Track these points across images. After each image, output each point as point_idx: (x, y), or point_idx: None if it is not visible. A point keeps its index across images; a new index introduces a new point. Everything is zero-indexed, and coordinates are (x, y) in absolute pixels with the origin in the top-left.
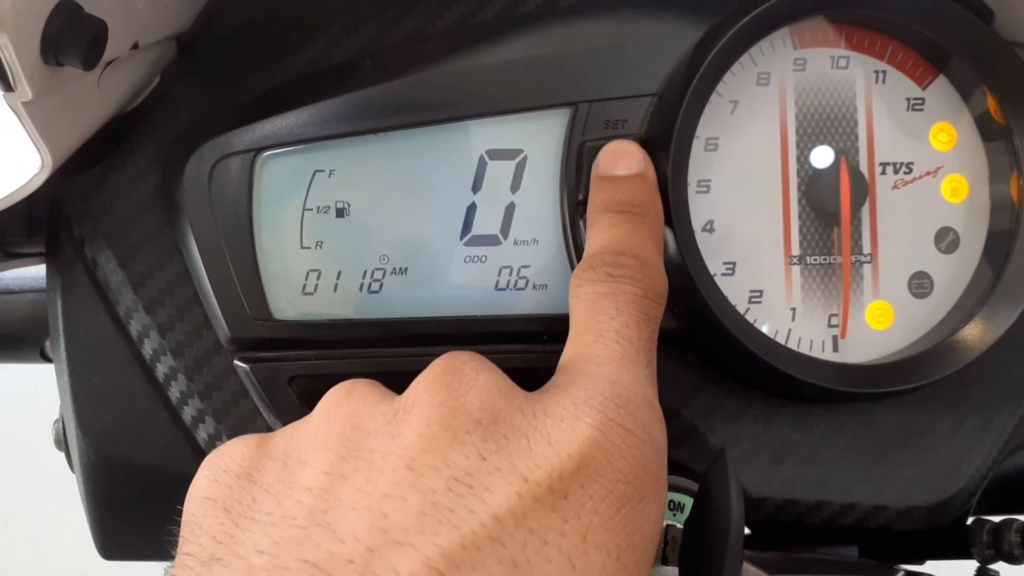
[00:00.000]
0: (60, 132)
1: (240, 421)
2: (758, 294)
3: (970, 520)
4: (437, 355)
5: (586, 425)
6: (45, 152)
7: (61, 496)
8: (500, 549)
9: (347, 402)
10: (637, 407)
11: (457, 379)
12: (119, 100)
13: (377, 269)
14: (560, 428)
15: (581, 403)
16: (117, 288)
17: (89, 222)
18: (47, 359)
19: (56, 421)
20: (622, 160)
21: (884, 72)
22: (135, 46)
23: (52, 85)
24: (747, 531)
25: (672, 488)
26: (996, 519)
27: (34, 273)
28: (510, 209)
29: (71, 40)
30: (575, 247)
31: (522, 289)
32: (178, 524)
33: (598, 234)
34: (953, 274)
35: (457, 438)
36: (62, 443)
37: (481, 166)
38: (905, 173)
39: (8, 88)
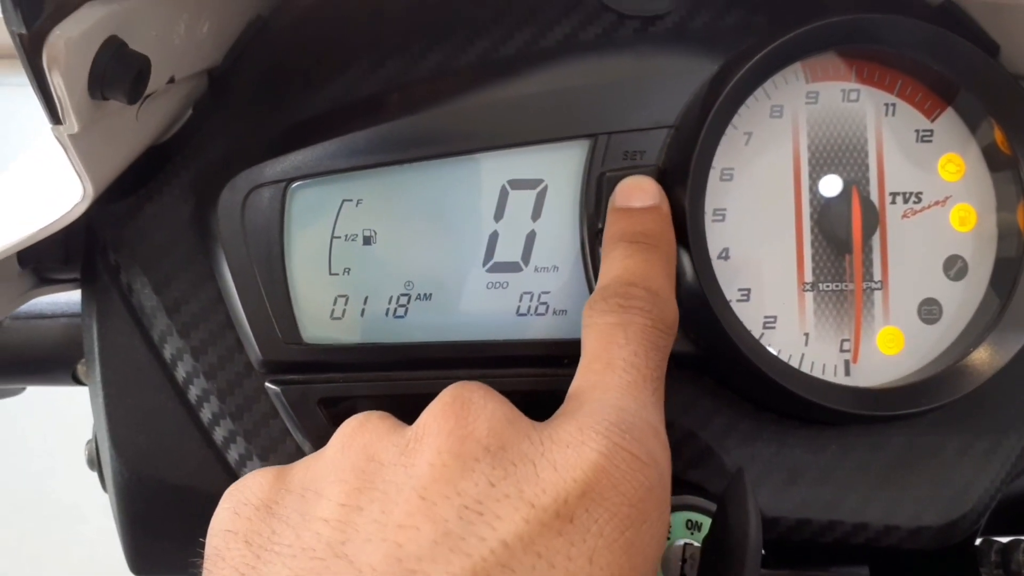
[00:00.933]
0: (101, 163)
1: (270, 442)
2: (772, 319)
3: (979, 541)
4: (460, 378)
5: (591, 450)
6: (87, 182)
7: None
8: (509, 575)
9: (360, 434)
10: (642, 432)
11: (465, 408)
12: (155, 131)
13: (402, 295)
14: (566, 454)
15: (587, 428)
16: (152, 313)
17: (125, 249)
18: (79, 382)
19: (89, 442)
20: (637, 193)
21: (894, 105)
22: (171, 80)
23: (96, 118)
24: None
25: (690, 508)
26: (1004, 540)
27: (67, 298)
28: (531, 237)
29: (117, 76)
30: (594, 274)
31: (542, 314)
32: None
33: (611, 264)
34: (961, 301)
35: (467, 466)
36: (95, 463)
37: (503, 195)
38: (914, 202)
39: (57, 121)
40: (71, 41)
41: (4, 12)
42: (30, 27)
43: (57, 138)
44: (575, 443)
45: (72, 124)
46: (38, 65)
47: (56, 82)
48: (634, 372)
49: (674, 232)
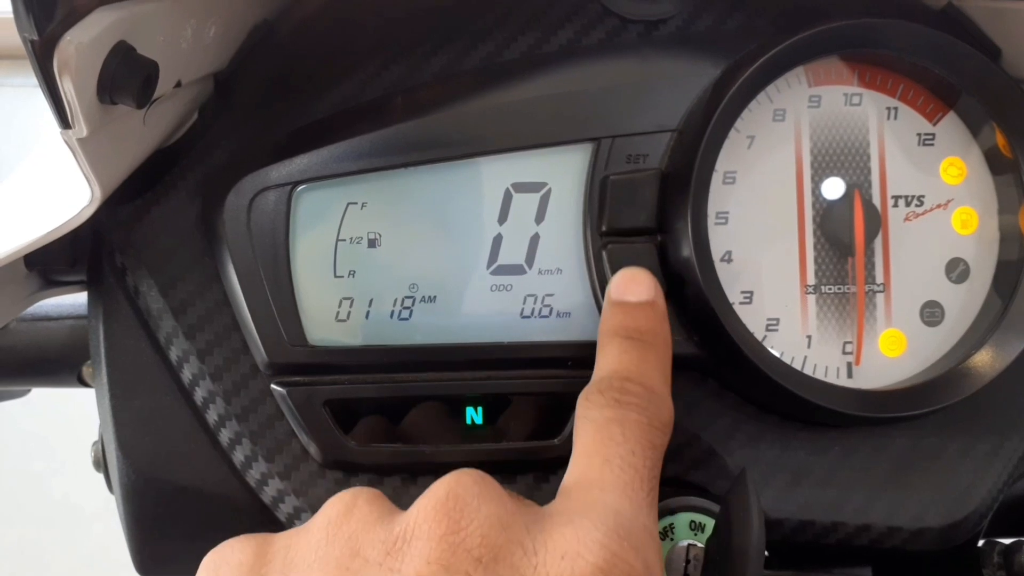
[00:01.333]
0: (109, 166)
1: (276, 443)
2: (775, 322)
3: (981, 542)
4: (464, 380)
5: (587, 563)
6: (95, 185)
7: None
8: None
9: (347, 521)
10: (639, 538)
11: (459, 508)
12: (161, 135)
13: (407, 297)
14: (561, 567)
15: (584, 535)
16: (158, 315)
17: (132, 252)
18: (84, 384)
19: (95, 443)
20: (633, 287)
21: (896, 108)
22: (178, 84)
23: (104, 122)
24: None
25: (694, 509)
26: (1007, 541)
27: (72, 301)
28: (535, 240)
29: (126, 80)
30: (597, 276)
31: (546, 316)
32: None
33: (607, 358)
34: (963, 303)
35: None
36: (101, 464)
37: (507, 198)
38: (917, 206)
39: (66, 125)
40: (82, 46)
41: (16, 17)
42: (42, 33)
43: (66, 142)
44: (571, 554)
45: (81, 128)
46: (49, 70)
47: (66, 87)
48: (631, 471)
49: (669, 327)
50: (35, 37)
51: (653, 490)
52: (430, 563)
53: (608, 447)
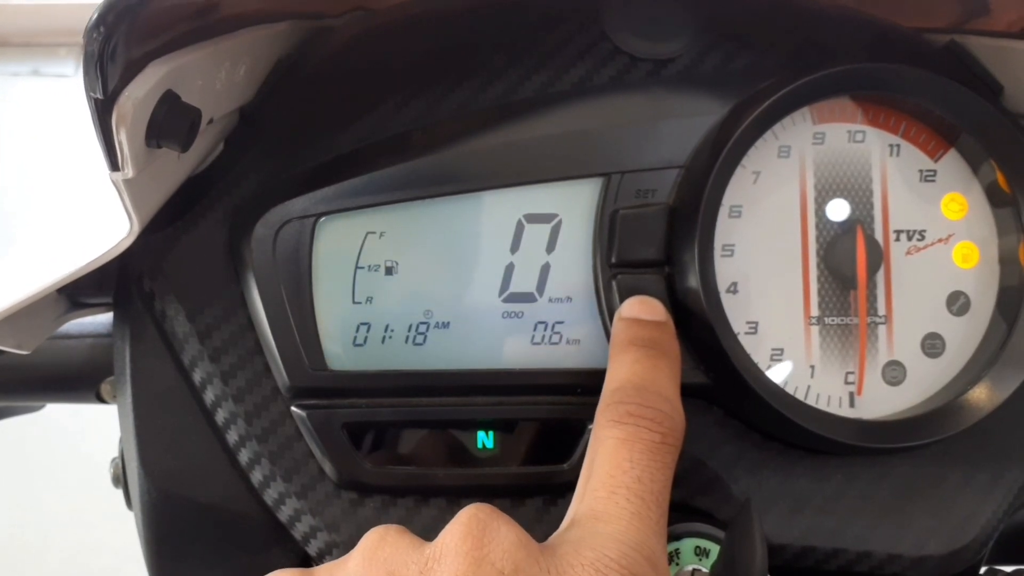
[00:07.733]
0: (147, 201)
1: (294, 463)
2: (779, 352)
3: (983, 570)
4: (477, 405)
5: None
6: (135, 219)
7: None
8: None
9: (381, 548)
10: (639, 566)
11: (481, 530)
12: (192, 167)
13: (422, 323)
14: None
15: (588, 566)
16: (184, 338)
17: (161, 278)
18: (102, 400)
19: (114, 460)
20: (646, 309)
21: (898, 146)
22: (211, 121)
23: (148, 163)
24: None
25: (699, 535)
26: (1008, 569)
27: (91, 320)
28: (545, 269)
29: (173, 127)
30: (607, 305)
31: (556, 344)
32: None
33: (621, 367)
34: (964, 335)
35: None
36: (120, 481)
37: (519, 229)
38: (918, 240)
39: (116, 169)
40: (137, 100)
41: (86, 78)
42: (107, 92)
43: (113, 183)
44: None
45: (129, 171)
46: (107, 123)
47: (121, 138)
48: (637, 501)
49: (678, 345)
50: (101, 96)
51: (662, 516)
52: None
53: (615, 476)
